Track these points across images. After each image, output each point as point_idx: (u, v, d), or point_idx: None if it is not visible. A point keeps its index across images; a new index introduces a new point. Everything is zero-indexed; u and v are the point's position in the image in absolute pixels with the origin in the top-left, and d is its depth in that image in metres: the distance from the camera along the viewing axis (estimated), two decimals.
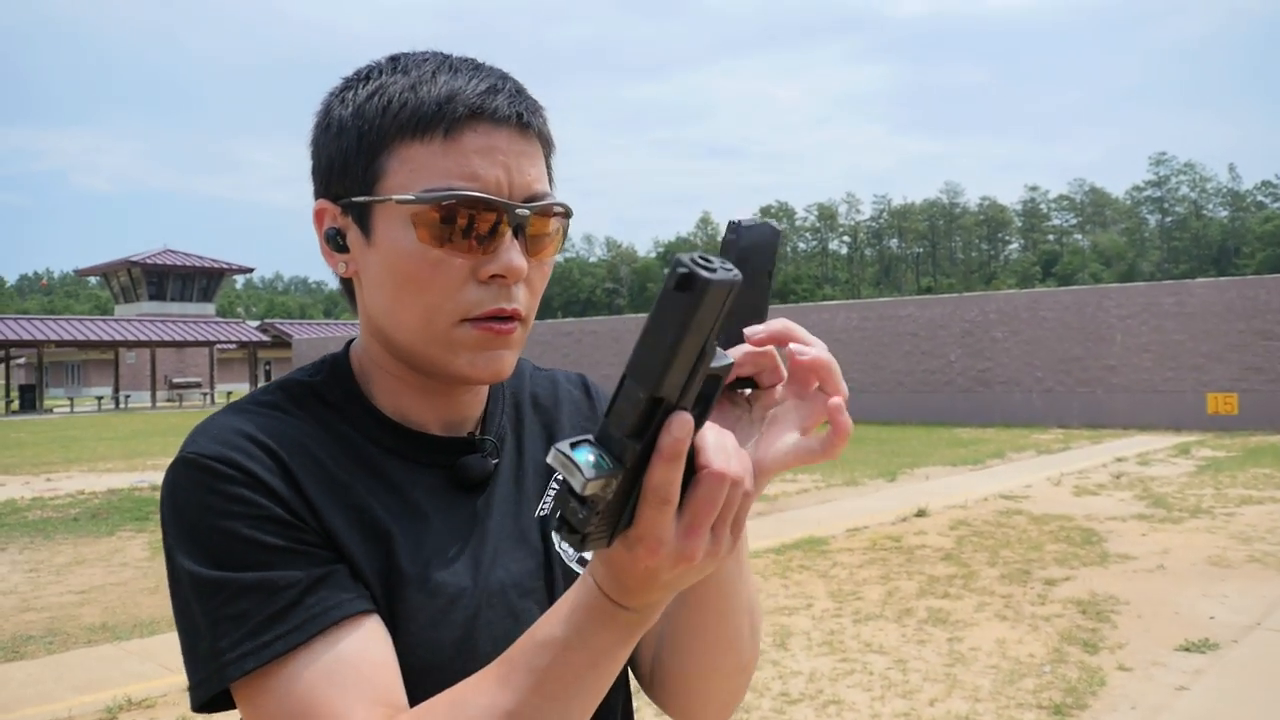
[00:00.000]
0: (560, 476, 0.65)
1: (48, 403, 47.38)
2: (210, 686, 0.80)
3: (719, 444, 0.67)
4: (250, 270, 63.54)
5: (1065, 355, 22.67)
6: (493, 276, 0.88)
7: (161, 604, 7.06)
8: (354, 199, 0.90)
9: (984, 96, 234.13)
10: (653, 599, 0.72)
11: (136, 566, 8.49)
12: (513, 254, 0.88)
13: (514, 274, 0.88)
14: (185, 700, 5.01)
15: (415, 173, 0.87)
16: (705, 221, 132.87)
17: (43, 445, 23.22)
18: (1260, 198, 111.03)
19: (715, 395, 0.67)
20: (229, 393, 52.58)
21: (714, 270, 0.60)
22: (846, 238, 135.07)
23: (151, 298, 54.88)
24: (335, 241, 0.93)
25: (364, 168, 0.89)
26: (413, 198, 0.86)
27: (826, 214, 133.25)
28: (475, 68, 0.92)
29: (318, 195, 0.95)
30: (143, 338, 45.40)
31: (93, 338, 44.26)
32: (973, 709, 4.71)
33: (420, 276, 0.88)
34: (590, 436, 0.64)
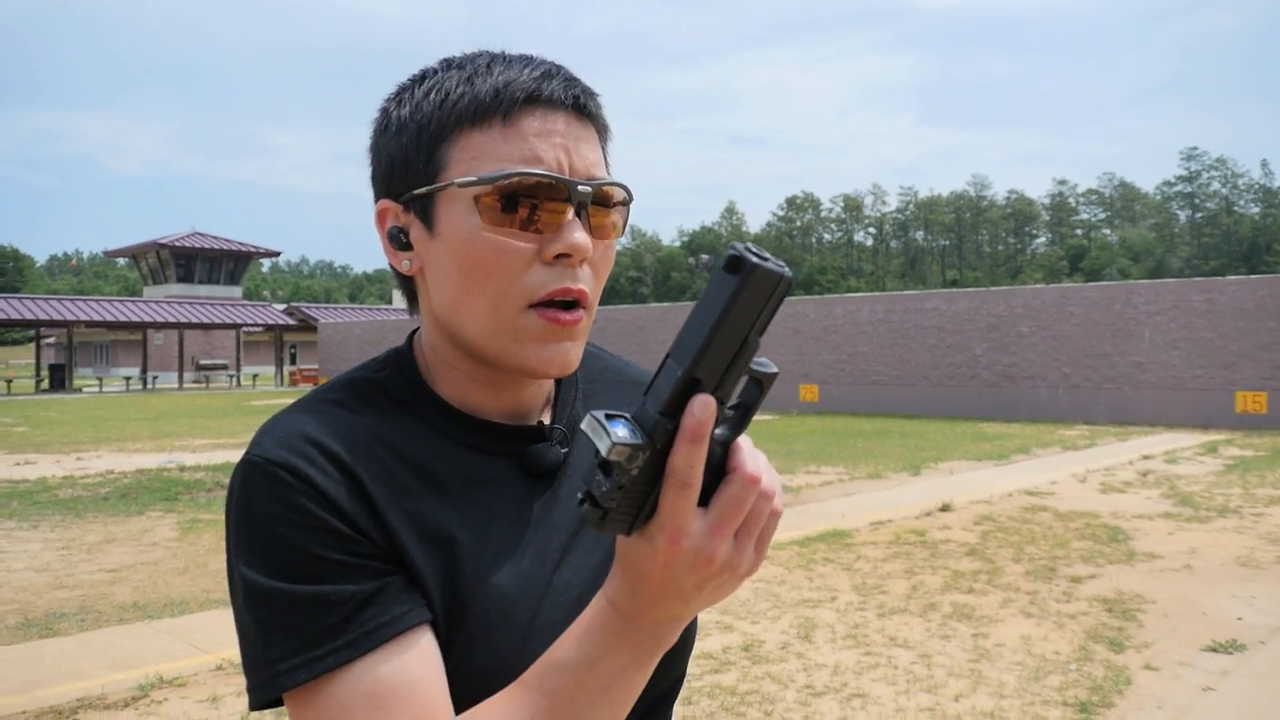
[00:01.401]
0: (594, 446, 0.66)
1: (77, 382, 47.85)
2: (265, 693, 0.83)
3: (753, 453, 0.68)
4: (277, 254, 63.95)
5: (1092, 351, 22.50)
6: (557, 257, 0.89)
7: (191, 584, 7.15)
8: (416, 192, 0.91)
9: (1012, 88, 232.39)
10: (667, 613, 0.72)
11: (166, 546, 8.59)
12: (576, 232, 0.88)
13: (579, 252, 0.88)
14: (215, 679, 5.08)
15: (477, 159, 0.88)
16: (730, 211, 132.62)
17: (72, 424, 23.49)
18: None
19: (758, 403, 0.68)
20: (255, 375, 53.01)
21: (765, 260, 0.61)
22: (872, 229, 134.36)
23: (179, 280, 55.39)
24: (398, 240, 0.94)
25: (425, 161, 0.91)
26: (475, 179, 0.87)
27: (852, 205, 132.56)
28: (527, 60, 0.93)
29: (379, 197, 0.96)
30: (170, 319, 45.78)
31: (121, 319, 44.66)
32: (998, 705, 4.71)
33: (486, 260, 0.88)
34: (627, 414, 0.65)
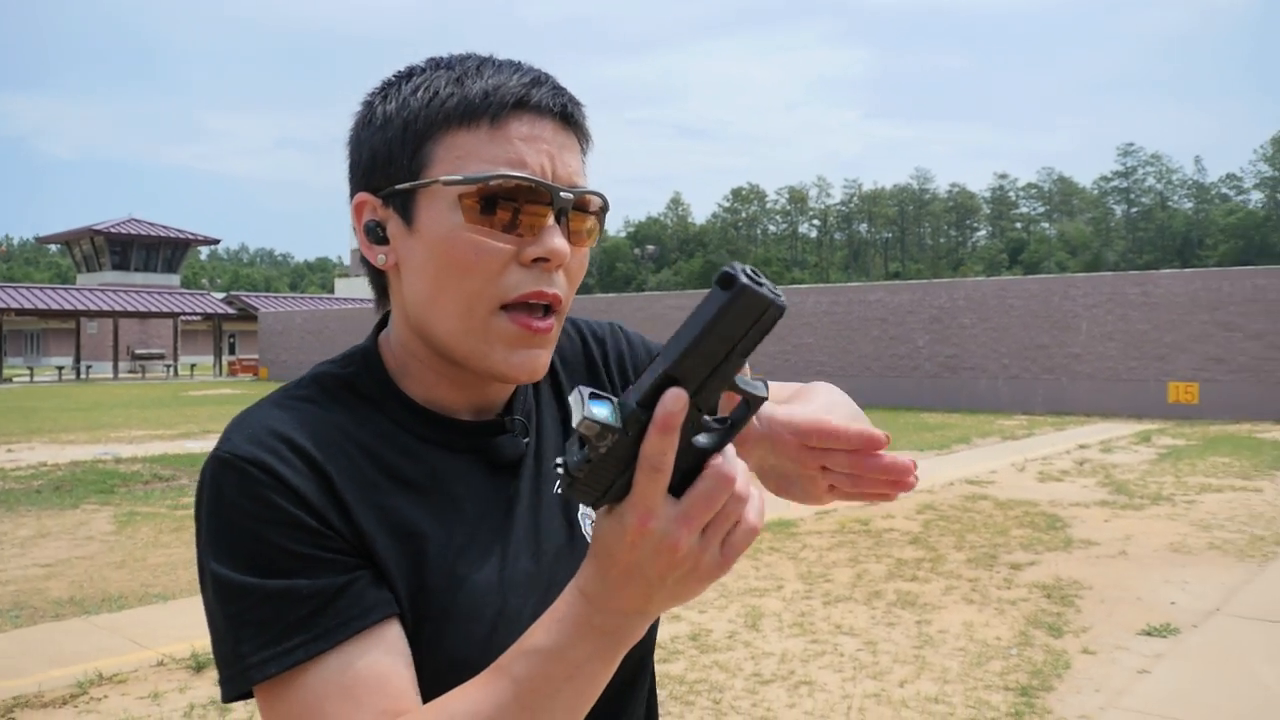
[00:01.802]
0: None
1: (6, 372, 46.67)
2: (237, 686, 0.83)
3: (734, 459, 0.70)
4: (216, 241, 62.85)
5: (1031, 343, 22.92)
6: (535, 260, 0.89)
7: (130, 579, 7.02)
8: (398, 187, 0.92)
9: (957, 83, 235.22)
10: (632, 603, 0.73)
11: (103, 540, 8.41)
12: (556, 238, 0.89)
13: (557, 257, 0.89)
14: (157, 675, 4.99)
15: (462, 159, 0.89)
16: (676, 202, 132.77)
17: (2, 415, 22.91)
18: (1224, 190, 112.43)
19: (744, 420, 0.70)
20: (193, 365, 52.08)
21: (760, 284, 0.64)
22: (816, 221, 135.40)
23: (115, 267, 54.16)
24: (375, 233, 0.94)
25: (409, 156, 0.91)
26: (460, 178, 0.88)
27: (797, 197, 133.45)
28: (516, 65, 0.94)
29: (356, 190, 0.96)
30: (105, 307, 44.79)
31: (54, 306, 43.58)
32: (942, 690, 4.78)
33: (464, 259, 0.89)
34: (614, 398, 0.68)
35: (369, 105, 0.96)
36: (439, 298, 0.91)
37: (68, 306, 44.04)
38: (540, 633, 0.76)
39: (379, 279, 0.99)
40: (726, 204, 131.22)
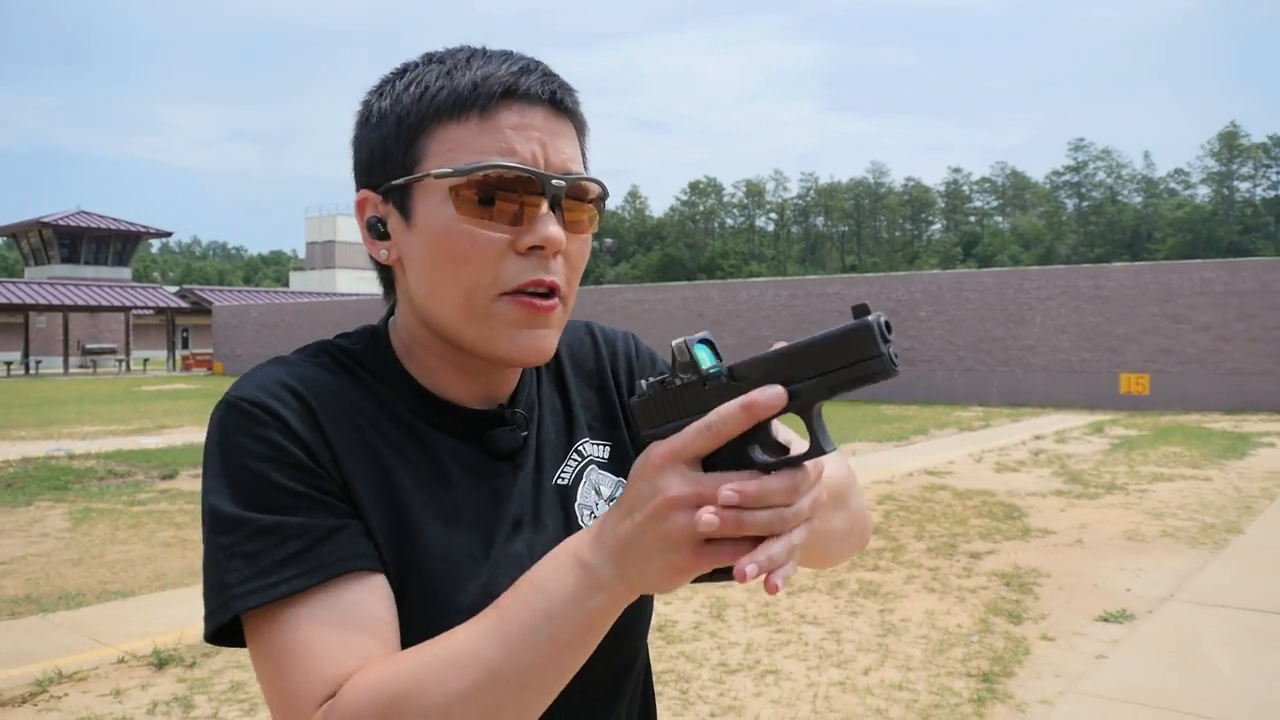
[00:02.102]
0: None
1: None
2: (218, 618, 0.85)
3: (792, 480, 0.71)
4: (168, 234, 61.80)
5: (986, 335, 23.21)
6: (531, 248, 0.90)
7: (87, 575, 6.92)
8: (394, 182, 0.93)
9: (911, 78, 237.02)
10: (618, 545, 0.74)
11: (58, 537, 8.28)
12: (550, 225, 0.90)
13: (552, 244, 0.90)
14: (117, 672, 4.93)
15: (454, 151, 0.90)
16: (634, 195, 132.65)
17: None
18: (1173, 185, 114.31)
19: (799, 461, 0.72)
20: (145, 359, 51.31)
21: (886, 336, 0.68)
22: (774, 215, 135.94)
23: (64, 260, 53.12)
24: (376, 229, 0.96)
25: (404, 152, 0.92)
26: (450, 171, 0.89)
27: (754, 190, 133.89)
28: (507, 55, 0.94)
29: (359, 188, 0.98)
30: (54, 301, 43.96)
31: (1, 300, 42.73)
32: (905, 677, 4.85)
33: (459, 250, 0.90)
34: (720, 360, 0.75)
35: (367, 104, 0.97)
36: (439, 289, 0.92)
37: (15, 300, 43.15)
38: (534, 567, 0.79)
39: (385, 272, 1.01)
40: (684, 197, 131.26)
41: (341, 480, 0.90)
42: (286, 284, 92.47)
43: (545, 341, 0.94)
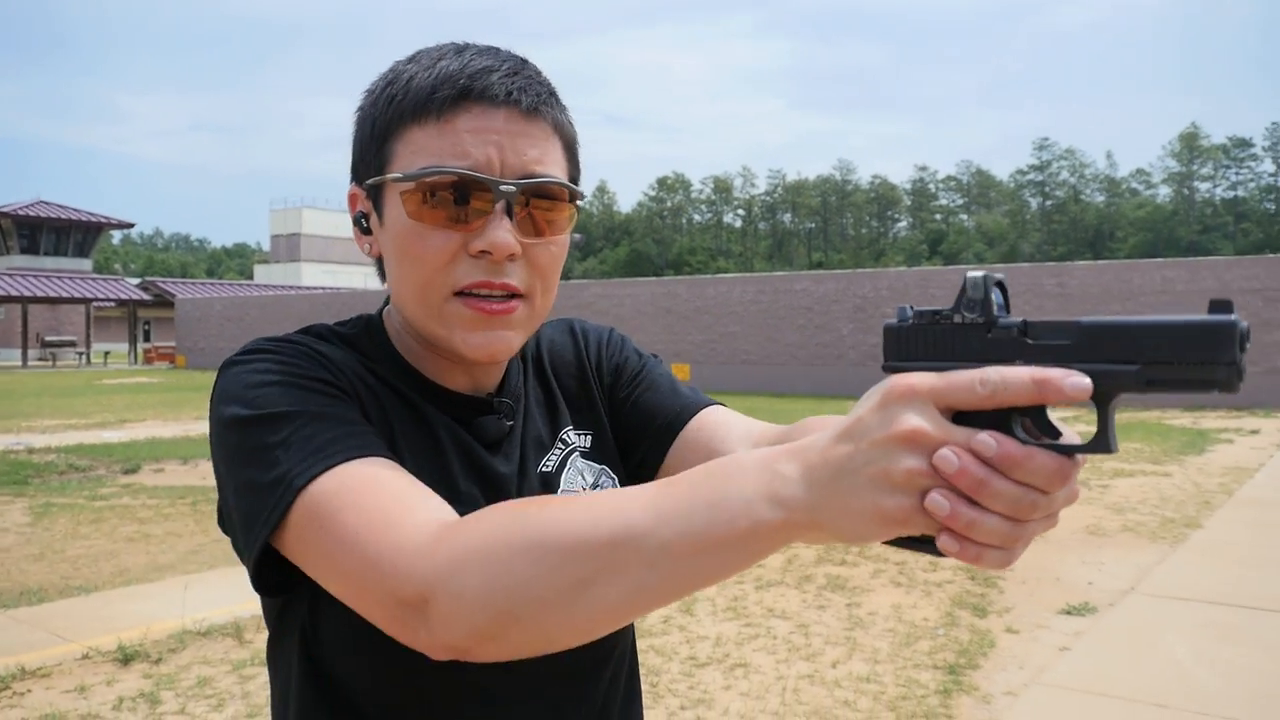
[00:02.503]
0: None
1: None
2: (278, 510, 0.82)
3: (1050, 463, 0.62)
4: (130, 225, 61.06)
5: None
6: (482, 252, 0.92)
7: (49, 571, 6.83)
8: (368, 182, 0.96)
9: (879, 77, 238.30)
10: (820, 476, 0.64)
11: (18, 532, 8.17)
12: (498, 231, 0.91)
13: (498, 250, 0.91)
14: (81, 668, 4.88)
15: (415, 154, 0.92)
16: (602, 190, 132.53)
17: None
18: (1134, 185, 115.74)
19: (1073, 451, 0.64)
20: (106, 352, 50.60)
21: (1244, 345, 0.58)
22: (741, 211, 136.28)
23: (23, 251, 52.30)
24: (361, 224, 1.00)
25: (376, 153, 0.95)
26: (402, 175, 0.91)
27: (722, 187, 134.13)
28: (484, 53, 0.95)
29: (351, 183, 1.01)
30: (13, 293, 43.27)
31: None
32: (873, 670, 4.90)
33: (414, 251, 0.93)
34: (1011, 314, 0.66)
35: (361, 105, 0.99)
36: (401, 287, 0.96)
37: None
38: (717, 460, 0.71)
39: (381, 266, 1.03)
40: (652, 193, 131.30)
41: (364, 415, 0.93)
42: (251, 277, 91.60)
43: (500, 343, 0.95)
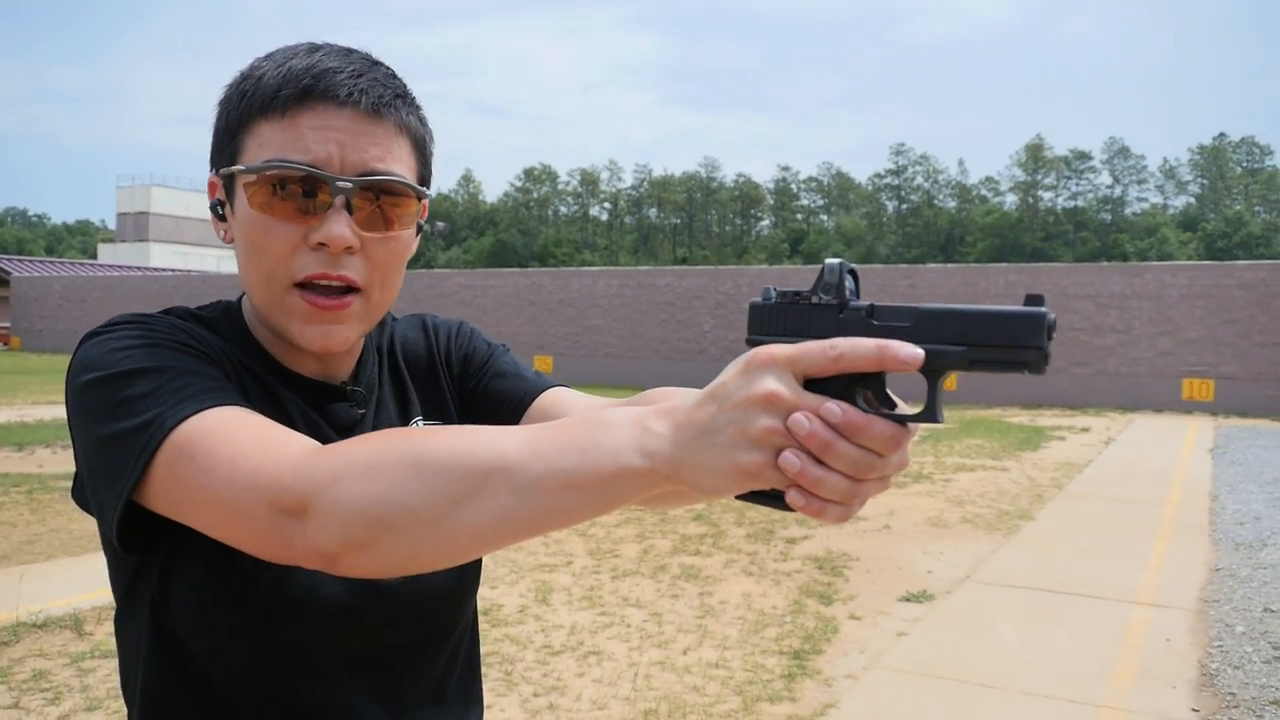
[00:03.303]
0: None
1: None
2: (148, 449, 0.84)
3: (887, 428, 0.70)
4: None
5: None
6: (320, 244, 0.97)
7: None
8: (221, 172, 1.00)
9: (747, 77, 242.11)
10: (685, 434, 0.70)
11: None
12: (336, 225, 0.96)
13: (335, 243, 0.96)
14: None
15: (261, 148, 0.96)
16: (467, 179, 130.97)
17: None
18: (984, 192, 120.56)
19: (907, 421, 0.71)
20: None
21: (1050, 335, 0.68)
22: (608, 205, 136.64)
23: None
24: (217, 211, 1.03)
25: (229, 144, 0.99)
26: (244, 168, 0.95)
27: (589, 179, 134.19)
28: (334, 54, 0.99)
29: (211, 171, 1.04)
30: None
31: None
32: (722, 656, 5.05)
33: (257, 242, 0.97)
34: (864, 304, 0.75)
35: (221, 96, 1.02)
36: (246, 275, 1.00)
37: None
38: (601, 413, 0.77)
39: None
40: (518, 183, 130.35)
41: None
42: (95, 256, 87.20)
43: (334, 336, 1.00)
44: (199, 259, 69.96)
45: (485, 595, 5.98)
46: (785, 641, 5.31)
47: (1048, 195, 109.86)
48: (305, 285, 0.97)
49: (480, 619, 5.56)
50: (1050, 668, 4.98)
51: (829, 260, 0.75)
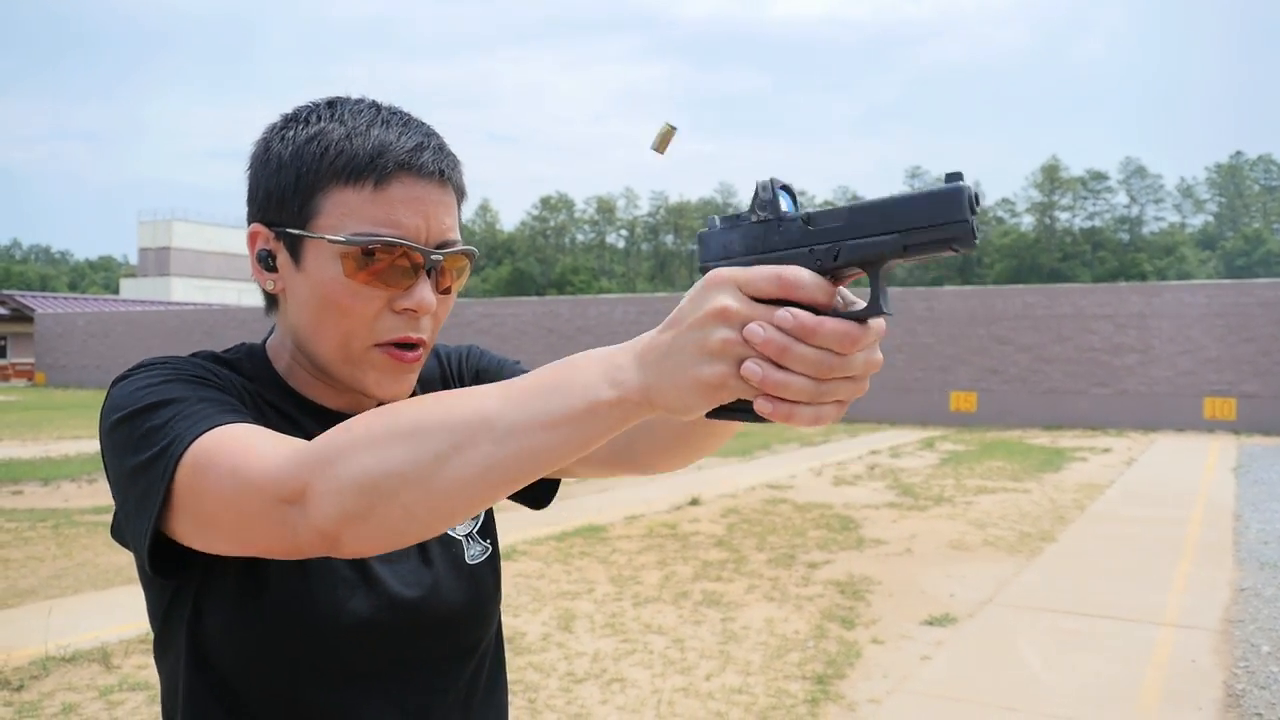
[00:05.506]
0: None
1: None
2: (173, 457, 0.89)
3: (875, 339, 0.74)
4: None
5: None
6: (405, 309, 1.04)
7: None
8: (289, 230, 1.04)
9: (761, 102, 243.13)
10: (649, 358, 0.75)
11: None
12: (425, 292, 1.04)
13: (424, 309, 1.04)
14: None
15: (346, 216, 1.01)
16: (484, 209, 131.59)
17: None
18: (1000, 213, 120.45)
19: (863, 317, 0.73)
20: None
21: (974, 208, 0.69)
22: (624, 232, 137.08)
23: None
24: (266, 262, 1.07)
25: (300, 205, 1.03)
26: (343, 239, 1.00)
27: (605, 207, 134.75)
28: (405, 123, 1.06)
29: (252, 219, 1.08)
30: None
31: None
32: (745, 682, 5.06)
33: (343, 304, 1.03)
34: (796, 201, 0.78)
35: (266, 143, 1.06)
36: (320, 330, 1.05)
37: None
38: (570, 357, 0.82)
39: (271, 297, 1.12)
40: (535, 212, 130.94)
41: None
42: (117, 291, 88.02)
43: (406, 385, 1.09)
44: (220, 292, 70.62)
45: (508, 624, 6.02)
46: (808, 666, 5.31)
47: (1064, 216, 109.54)
48: (384, 345, 1.05)
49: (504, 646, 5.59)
50: (1075, 690, 4.97)
51: (760, 179, 0.77)
